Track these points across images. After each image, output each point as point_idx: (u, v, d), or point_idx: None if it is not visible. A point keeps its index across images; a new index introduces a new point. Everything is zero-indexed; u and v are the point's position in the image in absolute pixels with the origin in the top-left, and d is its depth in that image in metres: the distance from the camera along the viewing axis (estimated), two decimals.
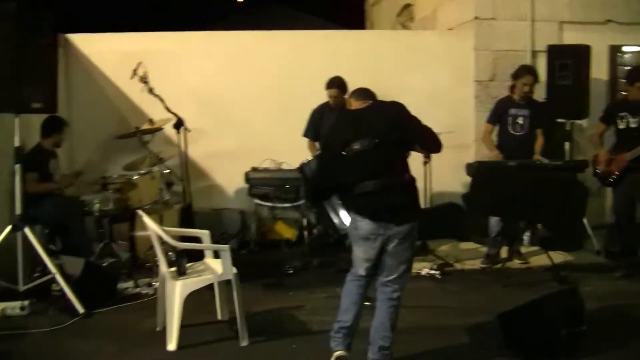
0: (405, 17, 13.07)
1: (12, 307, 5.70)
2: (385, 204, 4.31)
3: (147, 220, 5.23)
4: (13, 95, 5.64)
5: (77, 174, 7.34)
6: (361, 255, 4.43)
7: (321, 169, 4.84)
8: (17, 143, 5.90)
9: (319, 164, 4.99)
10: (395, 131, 4.40)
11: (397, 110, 4.51)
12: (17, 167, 5.93)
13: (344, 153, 4.41)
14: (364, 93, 4.69)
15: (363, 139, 4.35)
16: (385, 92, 4.65)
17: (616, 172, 6.78)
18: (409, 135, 4.47)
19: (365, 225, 4.33)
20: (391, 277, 4.41)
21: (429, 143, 4.59)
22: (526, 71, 7.21)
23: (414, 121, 4.49)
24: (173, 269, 5.17)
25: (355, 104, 4.65)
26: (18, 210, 5.91)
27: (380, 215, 4.30)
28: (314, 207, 5.12)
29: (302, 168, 6.10)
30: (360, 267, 4.46)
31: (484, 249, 7.44)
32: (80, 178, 7.28)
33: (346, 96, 6.37)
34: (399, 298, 4.46)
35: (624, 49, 8.92)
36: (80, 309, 5.64)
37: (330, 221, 5.45)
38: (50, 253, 6.13)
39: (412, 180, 4.46)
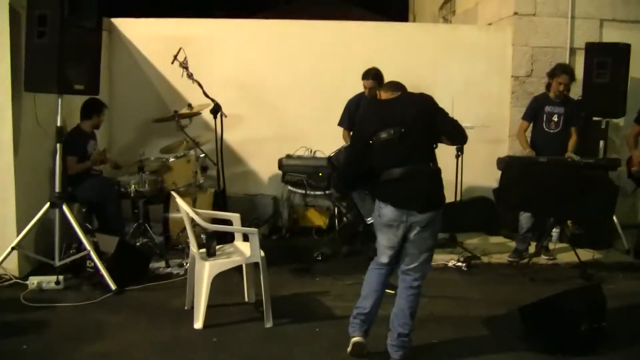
0: (447, 10, 13.09)
1: (48, 281, 5.91)
2: (408, 191, 4.40)
3: (180, 201, 5.38)
4: (57, 76, 5.81)
5: (102, 152, 7.44)
6: (384, 242, 4.53)
7: (351, 158, 4.92)
8: (58, 123, 6.10)
9: (349, 153, 5.08)
10: (422, 121, 4.49)
11: (424, 101, 4.59)
12: (58, 146, 6.12)
13: (371, 142, 4.51)
14: (394, 85, 4.77)
15: (390, 128, 4.44)
16: (422, 85, 4.73)
17: None
18: (436, 125, 4.55)
19: (389, 212, 4.42)
20: (412, 266, 4.50)
21: (455, 134, 4.65)
22: (562, 70, 7.19)
23: (441, 112, 4.57)
24: (203, 250, 5.32)
25: (384, 95, 4.73)
26: (57, 188, 6.11)
27: (403, 202, 4.39)
28: (342, 197, 5.18)
29: (330, 159, 6.20)
30: (383, 255, 4.56)
31: (513, 244, 7.47)
32: (105, 155, 7.37)
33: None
34: (419, 287, 4.54)
35: None
36: (113, 286, 5.83)
37: (357, 211, 5.53)
38: (86, 231, 6.32)
39: (438, 170, 4.54)
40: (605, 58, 7.85)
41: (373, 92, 7.15)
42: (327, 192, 7.60)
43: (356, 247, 7.29)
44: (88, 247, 5.96)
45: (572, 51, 8.71)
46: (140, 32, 8.84)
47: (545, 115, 7.25)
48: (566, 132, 7.24)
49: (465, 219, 8.01)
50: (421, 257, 4.49)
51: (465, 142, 4.74)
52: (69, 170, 6.62)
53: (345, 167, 5.08)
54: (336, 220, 7.91)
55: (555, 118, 7.20)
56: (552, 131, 7.23)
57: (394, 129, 4.43)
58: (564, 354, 4.69)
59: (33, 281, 5.90)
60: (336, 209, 7.88)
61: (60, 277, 5.94)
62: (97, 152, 7.15)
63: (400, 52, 8.66)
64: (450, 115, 4.66)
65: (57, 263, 6.02)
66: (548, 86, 7.36)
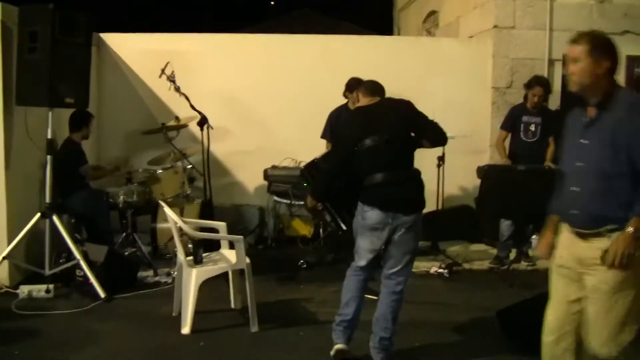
0: (430, 23, 13.28)
1: (38, 289, 6.04)
2: (395, 195, 4.56)
3: (167, 209, 5.52)
4: (48, 90, 5.96)
5: (115, 168, 7.60)
6: (366, 245, 4.66)
7: (334, 165, 5.03)
8: (49, 135, 6.24)
9: (332, 161, 5.18)
10: (405, 127, 4.67)
11: (406, 107, 4.76)
12: (49, 158, 6.26)
13: (356, 149, 4.66)
14: (373, 88, 4.92)
15: (374, 135, 4.60)
16: (405, 97, 4.83)
17: None
18: (417, 129, 4.73)
19: (374, 215, 4.56)
20: (395, 269, 4.64)
21: (435, 136, 4.81)
22: (537, 82, 7.37)
23: (421, 116, 4.75)
24: (190, 257, 5.46)
25: (363, 100, 4.89)
26: (47, 199, 6.24)
27: (390, 205, 4.54)
28: (313, 210, 5.24)
29: (303, 171, 6.28)
30: (363, 259, 4.70)
31: (494, 251, 7.64)
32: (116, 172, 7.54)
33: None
34: (402, 291, 4.68)
35: None
36: (102, 294, 5.95)
37: (334, 219, 5.59)
38: (75, 241, 6.43)
39: (419, 173, 4.72)
40: None
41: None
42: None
43: (340, 255, 7.41)
44: (78, 256, 6.09)
45: (551, 62, 8.93)
46: (128, 47, 9.01)
47: (522, 125, 7.44)
48: (544, 142, 7.43)
49: (447, 227, 8.17)
50: (404, 260, 4.64)
51: (445, 143, 4.93)
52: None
53: (327, 174, 5.19)
54: (321, 230, 8.07)
55: (532, 128, 7.39)
56: (529, 140, 7.42)
57: (379, 136, 4.58)
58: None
59: (24, 290, 6.02)
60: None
61: (51, 286, 6.07)
62: (121, 159, 7.42)
63: (384, 65, 8.77)
64: None
65: (48, 272, 6.15)
66: (525, 97, 7.55)
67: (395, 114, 4.70)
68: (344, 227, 5.16)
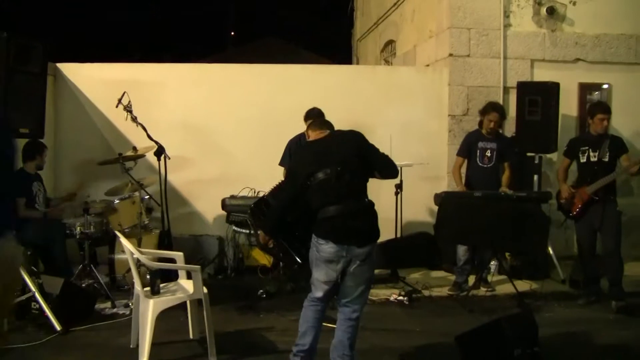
0: (388, 52, 13.47)
1: None
2: (349, 227, 4.57)
3: (124, 240, 5.47)
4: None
5: (70, 195, 7.55)
6: (322, 277, 4.67)
7: (285, 200, 5.00)
8: None
9: (283, 196, 5.15)
10: (356, 159, 4.69)
11: (357, 139, 4.80)
12: None
13: (308, 183, 4.68)
14: (321, 123, 5.01)
15: (326, 168, 4.63)
16: (363, 125, 4.89)
17: (579, 205, 7.03)
18: (369, 162, 4.75)
19: (329, 248, 4.58)
20: (351, 298, 4.66)
21: (386, 169, 4.84)
22: (492, 108, 7.52)
23: (372, 148, 4.79)
24: (147, 288, 5.40)
25: (313, 135, 4.94)
26: None
27: (344, 238, 4.56)
28: (268, 241, 5.20)
29: (256, 206, 6.25)
30: (319, 290, 4.71)
31: (453, 277, 7.68)
32: (73, 198, 7.53)
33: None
34: (358, 318, 4.70)
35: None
36: (58, 326, 5.85)
37: (288, 253, 5.54)
38: (31, 273, 6.33)
39: (372, 204, 4.73)
40: (536, 96, 8.24)
41: None
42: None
43: (300, 284, 7.36)
44: (33, 288, 5.99)
45: (506, 90, 9.10)
46: (85, 76, 8.97)
47: (478, 151, 7.55)
48: (499, 167, 7.55)
49: (406, 255, 8.22)
50: (359, 289, 4.66)
51: (396, 177, 4.95)
52: (19, 212, 6.72)
53: (276, 210, 5.17)
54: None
55: (488, 153, 7.51)
56: (485, 166, 7.53)
57: (330, 169, 4.61)
58: None
59: None
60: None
61: (5, 320, 5.93)
62: (66, 195, 7.29)
63: (342, 93, 8.91)
64: (389, 152, 4.88)
65: None
66: (480, 123, 7.68)
67: (346, 146, 4.74)
68: (300, 261, 5.15)
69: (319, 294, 4.72)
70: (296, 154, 5.56)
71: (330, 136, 4.86)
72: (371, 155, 4.77)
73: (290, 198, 4.90)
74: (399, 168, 7.31)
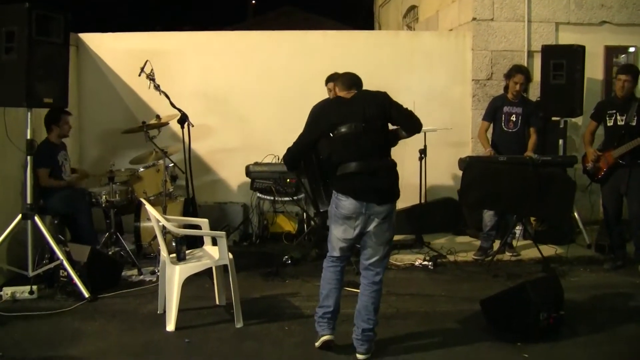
0: (410, 18, 13.35)
1: (21, 291, 6.00)
2: (370, 184, 4.58)
3: (149, 207, 5.50)
4: (25, 91, 5.90)
5: (85, 175, 7.65)
6: (340, 235, 4.69)
7: (303, 142, 4.96)
8: (28, 136, 6.19)
9: (303, 136, 5.03)
10: (380, 117, 4.69)
11: (382, 97, 4.78)
12: (29, 159, 6.22)
13: (332, 135, 4.68)
14: (350, 81, 4.93)
15: (350, 122, 4.63)
16: (386, 90, 4.84)
17: (604, 169, 6.98)
18: (393, 119, 4.74)
19: (349, 204, 4.59)
20: (373, 260, 4.67)
21: (409, 124, 4.79)
22: (517, 70, 7.42)
23: (395, 105, 4.77)
24: (173, 255, 5.45)
25: (340, 93, 4.91)
26: (28, 200, 6.21)
27: (364, 195, 4.56)
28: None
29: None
30: (335, 249, 4.75)
31: (478, 243, 7.67)
32: (88, 177, 7.67)
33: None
34: (381, 281, 4.71)
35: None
36: (86, 294, 5.93)
37: (312, 199, 5.54)
38: (58, 241, 6.38)
39: (394, 163, 4.74)
40: (561, 60, 8.12)
41: None
42: (295, 197, 7.78)
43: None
44: (61, 256, 6.06)
45: (530, 54, 9.00)
46: (107, 47, 8.98)
47: (504, 116, 7.48)
48: (524, 132, 7.47)
49: (431, 220, 8.23)
50: (380, 251, 4.67)
51: (420, 131, 4.86)
52: (42, 182, 6.80)
53: (295, 147, 5.12)
54: (305, 225, 8.08)
55: (513, 118, 7.44)
56: (510, 131, 7.46)
57: (355, 124, 4.61)
58: (525, 342, 4.88)
59: (7, 292, 5.98)
60: (305, 214, 8.06)
61: (34, 287, 6.03)
62: (81, 174, 7.43)
63: (364, 59, 8.79)
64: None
65: (31, 273, 6.11)
66: (506, 88, 7.59)
67: (371, 105, 4.72)
68: (321, 209, 5.16)
69: (335, 252, 4.75)
70: (321, 107, 5.54)
71: (357, 95, 4.84)
72: (394, 112, 4.74)
73: (308, 141, 4.91)
74: (424, 133, 7.34)
